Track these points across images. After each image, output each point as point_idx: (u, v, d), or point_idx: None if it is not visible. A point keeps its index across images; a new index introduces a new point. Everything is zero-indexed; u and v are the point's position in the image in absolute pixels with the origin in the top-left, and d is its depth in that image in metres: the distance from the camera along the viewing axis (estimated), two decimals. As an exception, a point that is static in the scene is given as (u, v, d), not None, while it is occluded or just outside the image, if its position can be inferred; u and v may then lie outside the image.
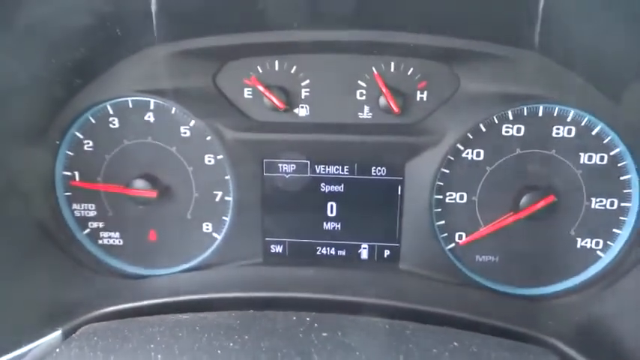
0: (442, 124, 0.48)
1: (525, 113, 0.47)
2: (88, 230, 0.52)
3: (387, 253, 0.51)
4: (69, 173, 0.51)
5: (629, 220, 0.47)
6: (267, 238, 0.51)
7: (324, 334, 0.35)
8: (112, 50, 0.47)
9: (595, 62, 0.43)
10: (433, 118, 0.48)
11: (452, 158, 0.48)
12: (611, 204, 0.48)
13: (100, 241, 0.53)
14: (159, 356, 0.34)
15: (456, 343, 0.35)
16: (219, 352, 0.35)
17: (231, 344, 0.36)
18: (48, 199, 0.52)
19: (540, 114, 0.46)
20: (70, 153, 0.51)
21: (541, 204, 0.46)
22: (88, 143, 0.51)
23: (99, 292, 0.46)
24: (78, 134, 0.50)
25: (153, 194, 0.50)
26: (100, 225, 0.53)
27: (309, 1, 0.42)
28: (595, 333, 0.40)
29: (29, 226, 0.50)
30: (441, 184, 0.48)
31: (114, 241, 0.53)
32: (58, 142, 0.50)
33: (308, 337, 0.36)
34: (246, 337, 0.37)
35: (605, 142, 0.46)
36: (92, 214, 0.52)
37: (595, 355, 0.35)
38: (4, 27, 0.38)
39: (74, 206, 0.52)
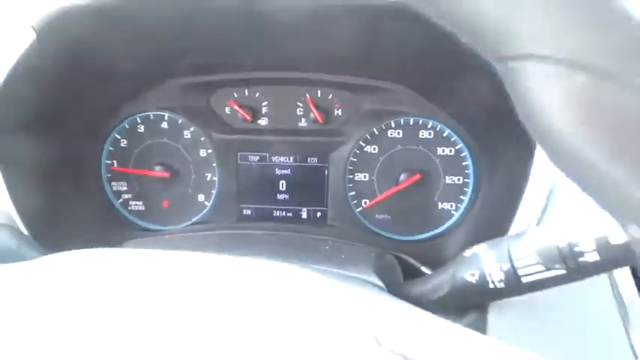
0: (350, 130, 0.71)
1: (402, 122, 0.72)
2: (121, 200, 0.77)
3: (319, 214, 0.75)
4: (109, 162, 0.76)
5: (469, 191, 0.72)
6: (240, 205, 0.76)
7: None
8: (145, 84, 0.73)
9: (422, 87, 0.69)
10: (345, 126, 0.71)
11: (357, 151, 0.73)
12: (458, 180, 0.70)
13: (130, 207, 0.77)
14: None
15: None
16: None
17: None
18: (96, 179, 0.77)
19: (411, 123, 0.72)
20: (111, 148, 0.75)
21: (410, 180, 0.71)
22: (124, 142, 0.76)
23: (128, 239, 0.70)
24: (117, 136, 0.75)
25: (166, 175, 0.74)
26: (130, 196, 0.76)
27: (267, 55, 0.67)
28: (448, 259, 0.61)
29: (82, 198, 0.74)
30: (351, 167, 0.73)
31: (139, 207, 0.77)
32: (102, 141, 0.75)
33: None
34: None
35: (452, 140, 0.71)
36: (124, 189, 0.76)
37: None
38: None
39: (112, 184, 0.77)
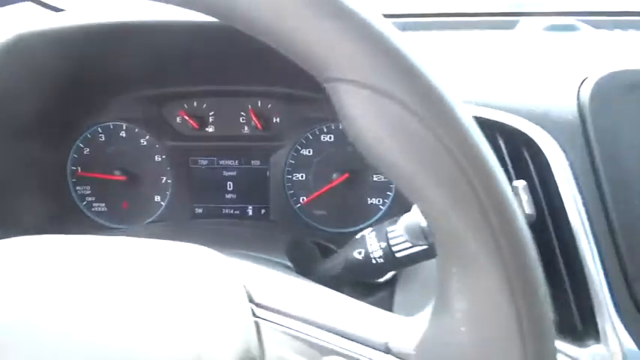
0: (288, 135, 0.79)
1: (333, 127, 0.81)
2: (85, 202, 0.85)
3: (262, 211, 0.83)
4: (74, 168, 0.84)
5: (394, 187, 0.81)
6: (193, 204, 0.85)
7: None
8: (103, 99, 0.81)
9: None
10: (283, 132, 0.79)
11: (294, 154, 0.81)
12: (385, 178, 0.81)
13: (93, 209, 0.85)
14: None
15: None
16: None
17: None
18: (62, 184, 0.85)
19: (340, 127, 0.81)
20: (76, 156, 0.83)
21: (340, 179, 0.79)
22: (87, 150, 0.84)
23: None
24: (80, 144, 0.84)
25: (124, 178, 0.83)
26: (93, 199, 0.85)
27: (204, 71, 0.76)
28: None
29: (49, 202, 0.83)
30: (290, 169, 0.81)
31: (102, 208, 0.84)
32: (68, 150, 0.84)
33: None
34: None
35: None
36: (88, 192, 0.84)
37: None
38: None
39: (77, 188, 0.85)
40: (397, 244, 0.49)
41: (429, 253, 0.48)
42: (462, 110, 0.30)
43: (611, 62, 0.61)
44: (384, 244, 0.50)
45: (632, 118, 0.56)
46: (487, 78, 0.66)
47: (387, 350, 0.32)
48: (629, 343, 0.51)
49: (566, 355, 0.53)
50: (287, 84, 0.77)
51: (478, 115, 0.61)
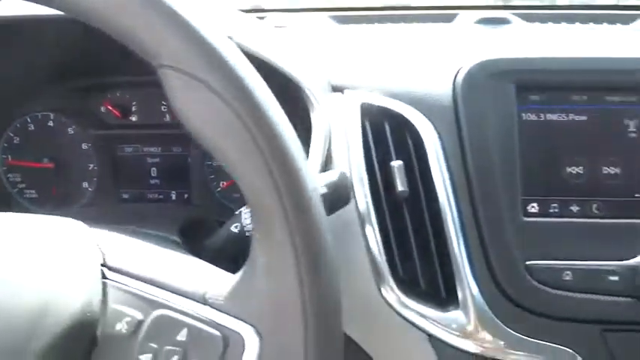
0: None
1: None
2: (17, 189, 0.88)
3: (185, 195, 0.87)
4: (5, 156, 0.88)
5: None
6: (119, 190, 0.89)
7: None
8: (31, 90, 0.85)
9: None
10: None
11: None
12: None
13: (25, 195, 0.89)
14: None
15: None
16: None
17: None
18: None
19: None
20: (6, 144, 0.87)
21: None
22: (17, 139, 0.87)
23: None
24: (10, 134, 0.87)
25: (51, 166, 0.87)
26: (24, 186, 0.88)
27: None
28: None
29: None
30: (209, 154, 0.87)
31: (33, 195, 0.87)
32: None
33: None
34: None
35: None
36: (19, 179, 0.89)
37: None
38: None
39: (9, 175, 0.89)
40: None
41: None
42: (261, 90, 0.35)
43: (492, 51, 0.66)
44: (237, 224, 0.54)
45: (497, 106, 0.61)
46: (387, 67, 0.71)
47: (204, 301, 0.37)
48: (485, 308, 0.56)
49: (430, 318, 0.58)
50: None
51: (367, 101, 0.66)
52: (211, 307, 0.36)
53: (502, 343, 0.55)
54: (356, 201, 0.62)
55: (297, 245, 0.32)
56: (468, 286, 0.56)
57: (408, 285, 0.60)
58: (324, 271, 0.33)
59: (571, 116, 0.61)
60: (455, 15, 0.98)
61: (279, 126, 0.33)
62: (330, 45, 0.83)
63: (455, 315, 0.57)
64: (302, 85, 0.62)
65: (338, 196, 0.50)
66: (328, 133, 0.64)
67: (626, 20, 0.94)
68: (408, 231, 0.61)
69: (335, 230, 0.63)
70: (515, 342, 0.55)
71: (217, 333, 0.33)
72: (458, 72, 0.63)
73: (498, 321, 0.55)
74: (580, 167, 0.60)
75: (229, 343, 0.34)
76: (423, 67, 0.69)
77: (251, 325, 0.34)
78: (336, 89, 0.71)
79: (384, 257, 0.59)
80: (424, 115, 0.63)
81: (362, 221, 0.61)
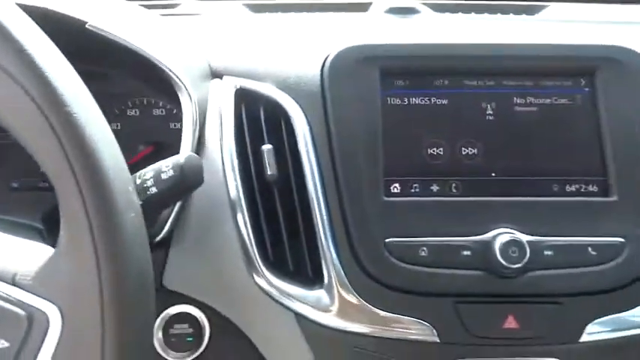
0: None
1: (137, 102, 0.85)
2: None
3: None
4: None
5: None
6: (9, 181, 0.86)
7: None
8: None
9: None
10: None
11: None
12: None
13: None
14: None
15: None
16: None
17: None
18: None
19: (145, 103, 0.85)
20: None
21: (145, 152, 0.83)
22: None
23: None
24: None
25: None
26: None
27: None
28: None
29: None
30: None
31: None
32: None
33: None
34: None
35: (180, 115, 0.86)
36: None
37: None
38: None
39: None
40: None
41: (144, 212, 0.52)
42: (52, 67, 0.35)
43: (359, 37, 0.67)
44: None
45: (363, 91, 0.63)
46: (266, 54, 0.72)
47: (13, 281, 0.37)
48: (347, 286, 0.58)
49: (297, 298, 0.59)
50: (83, 62, 0.80)
51: (242, 85, 0.66)
52: (19, 287, 0.37)
53: (363, 318, 0.58)
54: (227, 186, 0.62)
55: (93, 224, 0.33)
56: (332, 266, 0.58)
57: (279, 267, 0.61)
58: (121, 248, 0.34)
59: (433, 100, 0.64)
60: (370, 4, 1.00)
61: (73, 107, 0.34)
62: (224, 32, 0.84)
63: (320, 293, 0.59)
64: (166, 69, 0.62)
65: (184, 179, 0.51)
66: (198, 118, 0.64)
67: (533, 11, 0.99)
68: (279, 214, 0.62)
69: (209, 215, 0.65)
70: (375, 317, 0.57)
71: (22, 312, 0.34)
72: (326, 58, 0.65)
73: (359, 297, 0.57)
74: (440, 149, 0.62)
75: (33, 322, 0.34)
76: (299, 53, 0.70)
77: (55, 304, 0.35)
78: (215, 75, 0.71)
79: (253, 241, 0.60)
80: (294, 100, 0.64)
81: (232, 206, 0.61)
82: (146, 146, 0.83)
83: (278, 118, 0.65)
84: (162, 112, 0.84)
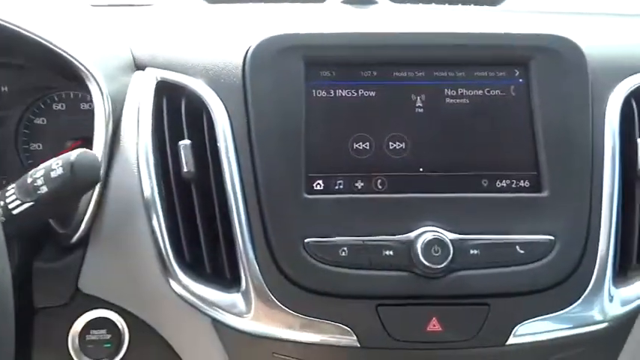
0: (16, 105, 0.80)
1: (63, 96, 0.82)
2: None
3: (4, 182, 0.84)
4: None
5: None
6: None
7: None
8: None
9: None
10: (12, 101, 0.80)
11: (28, 124, 0.82)
12: None
13: None
14: None
15: None
16: None
17: None
18: None
19: (72, 96, 0.81)
20: None
21: (73, 146, 0.80)
22: None
23: None
24: None
25: None
26: None
27: None
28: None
29: None
30: (25, 138, 0.81)
31: None
32: None
33: None
34: None
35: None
36: None
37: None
38: None
39: None
40: (11, 201, 0.50)
41: (37, 211, 0.50)
42: None
43: (283, 27, 0.64)
44: (1, 202, 0.50)
45: (285, 82, 0.59)
46: (191, 45, 0.68)
47: None
48: (264, 289, 0.55)
49: (213, 302, 0.56)
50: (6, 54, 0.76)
51: (164, 77, 0.63)
52: None
53: (281, 323, 0.55)
54: (141, 184, 0.59)
55: None
56: (249, 268, 0.55)
57: (196, 270, 0.58)
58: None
59: (360, 92, 0.61)
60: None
61: None
62: (160, 24, 0.80)
63: (236, 297, 0.56)
64: (72, 59, 0.59)
65: (75, 177, 0.47)
66: (112, 111, 0.61)
67: (495, 2, 0.96)
68: (196, 214, 0.59)
69: (125, 215, 0.61)
70: (293, 322, 0.55)
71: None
72: (249, 49, 0.61)
73: (276, 301, 0.54)
74: (366, 143, 0.59)
75: None
76: (224, 44, 0.66)
77: None
78: (139, 67, 0.68)
79: (167, 243, 0.57)
80: (215, 92, 0.61)
81: (147, 206, 0.58)
82: (74, 141, 0.79)
83: (200, 111, 0.62)
84: (90, 106, 0.80)
